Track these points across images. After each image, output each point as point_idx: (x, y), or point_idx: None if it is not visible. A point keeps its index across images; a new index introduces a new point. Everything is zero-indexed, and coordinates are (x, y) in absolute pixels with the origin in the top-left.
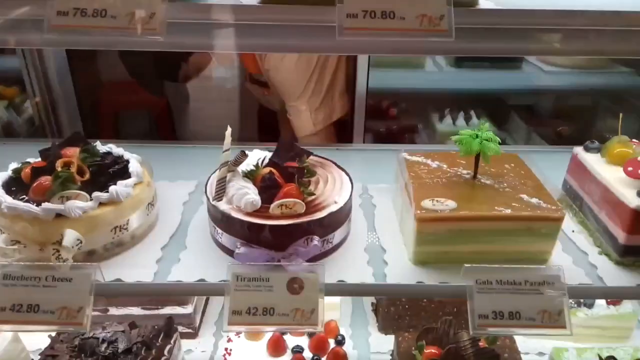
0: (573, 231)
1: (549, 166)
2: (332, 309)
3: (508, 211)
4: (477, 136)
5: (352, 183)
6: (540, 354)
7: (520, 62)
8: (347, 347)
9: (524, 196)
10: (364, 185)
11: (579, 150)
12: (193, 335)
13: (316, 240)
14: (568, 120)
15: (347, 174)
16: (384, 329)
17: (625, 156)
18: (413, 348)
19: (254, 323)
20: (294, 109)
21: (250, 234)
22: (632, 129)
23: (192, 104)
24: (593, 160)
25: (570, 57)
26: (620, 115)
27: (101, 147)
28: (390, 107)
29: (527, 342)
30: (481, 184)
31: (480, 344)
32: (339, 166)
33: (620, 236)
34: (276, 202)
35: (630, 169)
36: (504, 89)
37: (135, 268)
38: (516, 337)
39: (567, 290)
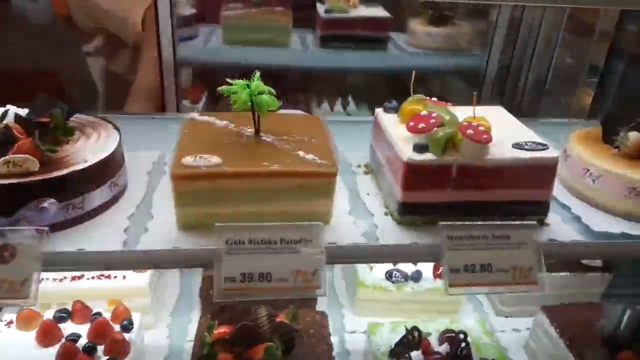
0: (368, 194)
1: None
2: (140, 294)
3: (275, 167)
4: (247, 87)
5: (119, 143)
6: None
7: (386, 44)
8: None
9: (301, 153)
10: (162, 153)
11: (379, 111)
12: None
13: (47, 203)
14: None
15: (120, 134)
16: (204, 314)
17: (415, 113)
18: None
19: None
20: None
21: None
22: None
23: None
24: (389, 120)
25: (435, 40)
26: (413, 72)
27: None
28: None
29: (354, 319)
30: (261, 141)
31: (279, 319)
32: (115, 127)
33: (399, 194)
34: (1, 159)
35: (411, 124)
36: (369, 69)
37: None
38: (345, 315)
39: (328, 249)
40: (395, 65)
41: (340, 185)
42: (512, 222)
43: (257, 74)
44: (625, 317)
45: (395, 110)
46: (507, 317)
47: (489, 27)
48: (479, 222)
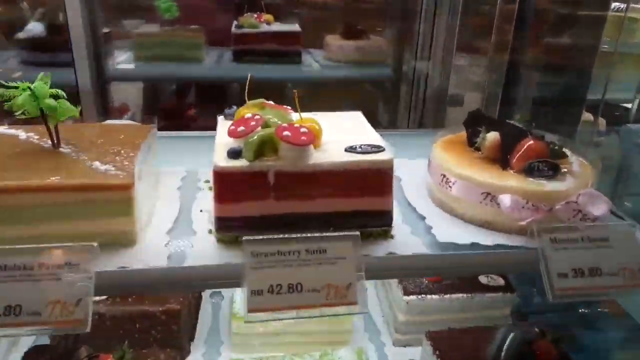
0: (201, 211)
1: None
2: None
3: (50, 180)
4: (29, 90)
5: None
6: None
7: (299, 57)
8: None
9: (97, 164)
10: None
11: (220, 118)
12: None
13: None
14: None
15: None
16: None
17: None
18: None
19: None
20: None
21: None
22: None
23: None
24: (224, 127)
25: (347, 53)
26: (250, 77)
27: None
28: (190, 108)
29: (230, 357)
30: (56, 154)
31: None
32: None
33: (213, 207)
34: None
35: (232, 127)
36: (280, 81)
37: None
38: (222, 353)
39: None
40: (306, 77)
41: (173, 201)
42: (329, 234)
43: (41, 75)
44: (508, 341)
45: (233, 116)
46: (405, 346)
47: (396, 41)
48: (291, 236)
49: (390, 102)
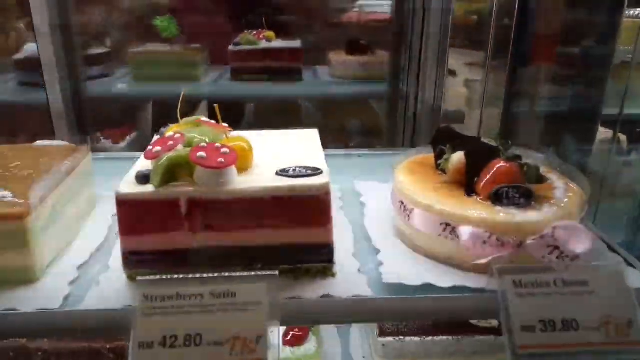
0: None
1: None
2: None
3: None
4: None
5: None
6: None
7: (300, 74)
8: None
9: None
10: None
11: (156, 138)
12: None
13: None
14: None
15: None
16: None
17: None
18: None
19: None
20: None
21: None
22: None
23: None
24: None
25: (350, 69)
26: (182, 93)
27: None
28: None
29: None
30: None
31: None
32: None
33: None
34: None
35: (149, 148)
36: (278, 99)
37: None
38: None
39: None
40: (303, 95)
41: (101, 230)
42: (240, 274)
43: None
44: None
45: None
46: None
47: (393, 57)
48: (196, 276)
49: (389, 120)
